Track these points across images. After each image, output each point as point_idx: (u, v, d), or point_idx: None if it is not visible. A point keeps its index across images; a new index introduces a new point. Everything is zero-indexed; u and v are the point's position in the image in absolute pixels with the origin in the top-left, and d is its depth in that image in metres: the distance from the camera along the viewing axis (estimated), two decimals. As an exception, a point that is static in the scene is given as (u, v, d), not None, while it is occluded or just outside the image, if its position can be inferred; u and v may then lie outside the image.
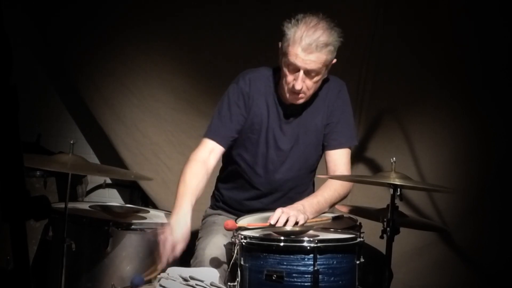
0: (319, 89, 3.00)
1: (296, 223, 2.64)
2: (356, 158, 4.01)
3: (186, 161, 2.95)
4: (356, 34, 4.02)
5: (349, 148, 3.05)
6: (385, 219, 2.57)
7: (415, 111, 4.04)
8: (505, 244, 3.86)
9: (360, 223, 2.70)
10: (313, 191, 3.16)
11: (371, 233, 2.70)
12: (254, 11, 4.08)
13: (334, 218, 2.92)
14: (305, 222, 2.69)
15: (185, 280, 2.46)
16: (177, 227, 2.67)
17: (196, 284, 2.45)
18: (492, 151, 3.96)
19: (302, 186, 3.10)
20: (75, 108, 4.45)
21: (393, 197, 2.55)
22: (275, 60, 2.98)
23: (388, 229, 2.55)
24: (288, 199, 2.99)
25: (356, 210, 2.94)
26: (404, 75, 4.04)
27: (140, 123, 4.17)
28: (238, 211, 3.09)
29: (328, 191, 2.93)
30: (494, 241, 3.88)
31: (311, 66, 2.80)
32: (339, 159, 3.02)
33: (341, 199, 2.97)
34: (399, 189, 2.55)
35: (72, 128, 4.46)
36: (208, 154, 2.95)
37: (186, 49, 4.18)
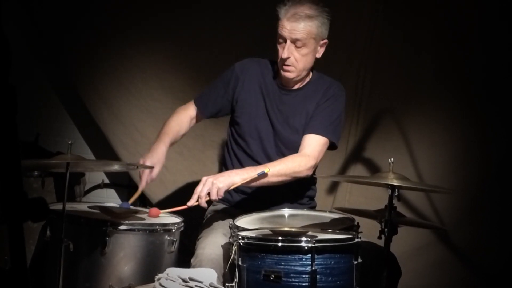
0: (320, 80, 3.23)
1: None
2: (354, 158, 4.02)
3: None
4: (355, 33, 4.02)
5: (322, 136, 3.12)
6: (383, 220, 2.58)
7: (414, 112, 4.04)
8: (504, 245, 3.85)
9: (358, 223, 2.70)
10: (312, 179, 3.30)
11: (369, 233, 2.70)
12: (253, 10, 4.07)
13: (332, 219, 2.93)
14: (231, 186, 2.87)
15: (184, 281, 2.47)
16: (151, 157, 3.10)
17: (195, 285, 2.45)
18: (491, 152, 3.95)
19: None
20: (73, 108, 4.45)
21: (391, 197, 2.55)
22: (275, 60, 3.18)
23: (386, 229, 2.55)
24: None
25: (354, 211, 2.94)
26: (403, 75, 4.04)
27: (139, 123, 4.17)
28: (243, 196, 3.20)
29: (278, 162, 3.03)
30: (493, 242, 3.87)
31: (295, 35, 3.04)
32: (306, 142, 3.12)
33: (293, 174, 3.02)
34: (397, 190, 2.55)
35: (70, 128, 4.46)
36: (194, 113, 3.32)
37: (184, 49, 4.18)
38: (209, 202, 2.88)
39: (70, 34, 4.21)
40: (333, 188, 4.02)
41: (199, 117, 3.36)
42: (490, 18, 3.92)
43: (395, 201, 2.56)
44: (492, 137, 3.94)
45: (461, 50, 3.95)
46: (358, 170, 3.99)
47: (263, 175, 2.90)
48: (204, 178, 2.86)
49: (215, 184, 2.82)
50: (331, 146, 3.19)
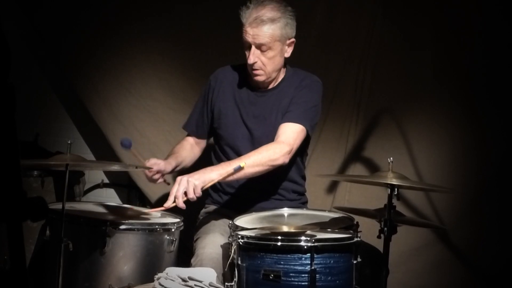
0: (294, 76, 3.22)
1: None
2: (353, 158, 4.02)
3: None
4: (355, 33, 4.02)
5: (297, 124, 3.10)
6: (382, 219, 2.58)
7: (413, 111, 4.04)
8: (503, 245, 3.85)
9: (357, 223, 2.70)
10: (298, 174, 3.30)
11: (369, 232, 2.70)
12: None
13: (332, 218, 2.93)
14: (208, 183, 2.80)
15: (184, 280, 2.47)
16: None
17: (195, 285, 2.45)
18: (490, 152, 3.95)
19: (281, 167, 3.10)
20: (73, 107, 4.44)
21: (390, 197, 2.55)
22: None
23: (385, 228, 2.56)
24: (271, 177, 3.07)
25: (354, 210, 2.94)
26: (402, 75, 4.03)
27: (138, 122, 4.17)
28: (231, 196, 3.21)
29: (253, 152, 2.98)
30: (492, 242, 3.87)
31: (259, 40, 3.04)
32: (281, 130, 3.09)
33: (269, 162, 2.96)
34: (396, 189, 2.55)
35: (70, 127, 4.45)
36: (192, 139, 3.41)
37: (184, 48, 4.18)
38: (187, 202, 2.77)
39: (69, 34, 4.21)
40: (332, 187, 4.02)
41: (200, 141, 3.41)
42: (491, 17, 3.92)
43: (394, 201, 2.57)
44: (491, 136, 3.94)
45: (461, 50, 3.95)
46: (357, 169, 3.99)
47: (239, 169, 2.85)
48: (179, 178, 2.79)
49: (191, 182, 2.75)
50: (306, 137, 3.17)
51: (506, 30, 3.90)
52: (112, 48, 4.21)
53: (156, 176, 3.14)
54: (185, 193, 2.74)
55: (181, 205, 2.75)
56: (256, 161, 2.91)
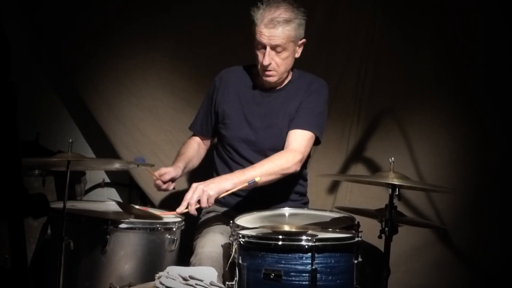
0: (301, 79, 3.24)
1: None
2: (355, 158, 4.02)
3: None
4: (355, 33, 4.02)
5: (307, 131, 3.12)
6: (383, 219, 2.58)
7: (414, 111, 4.03)
8: (504, 245, 3.85)
9: (358, 223, 2.70)
10: (300, 175, 3.28)
11: (370, 232, 2.71)
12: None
13: (332, 218, 2.93)
14: (222, 193, 2.84)
15: (185, 279, 2.47)
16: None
17: (196, 284, 2.45)
18: (491, 152, 3.94)
19: None
20: (74, 107, 4.44)
21: (391, 197, 2.55)
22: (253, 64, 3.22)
23: (386, 228, 2.56)
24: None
25: (355, 210, 2.94)
26: (403, 75, 4.03)
27: (139, 122, 4.17)
28: (232, 196, 3.19)
29: (266, 161, 3.00)
30: (493, 242, 3.87)
31: (275, 41, 3.04)
32: (291, 137, 3.11)
33: (281, 171, 2.99)
34: (397, 189, 2.55)
35: (71, 127, 4.46)
36: (198, 138, 3.45)
37: (185, 48, 4.18)
38: (199, 210, 2.83)
39: (69, 34, 4.21)
40: (333, 187, 4.02)
41: (205, 140, 3.46)
42: (491, 17, 3.91)
43: (395, 201, 2.57)
44: (492, 137, 3.94)
45: (462, 49, 3.94)
46: (358, 169, 3.99)
47: (254, 183, 2.88)
48: (194, 185, 2.82)
49: (206, 192, 2.78)
50: (315, 141, 3.19)
51: (506, 30, 3.89)
52: (113, 48, 4.21)
53: (169, 184, 3.18)
54: (198, 201, 2.78)
55: (193, 212, 2.80)
56: (269, 170, 2.95)
